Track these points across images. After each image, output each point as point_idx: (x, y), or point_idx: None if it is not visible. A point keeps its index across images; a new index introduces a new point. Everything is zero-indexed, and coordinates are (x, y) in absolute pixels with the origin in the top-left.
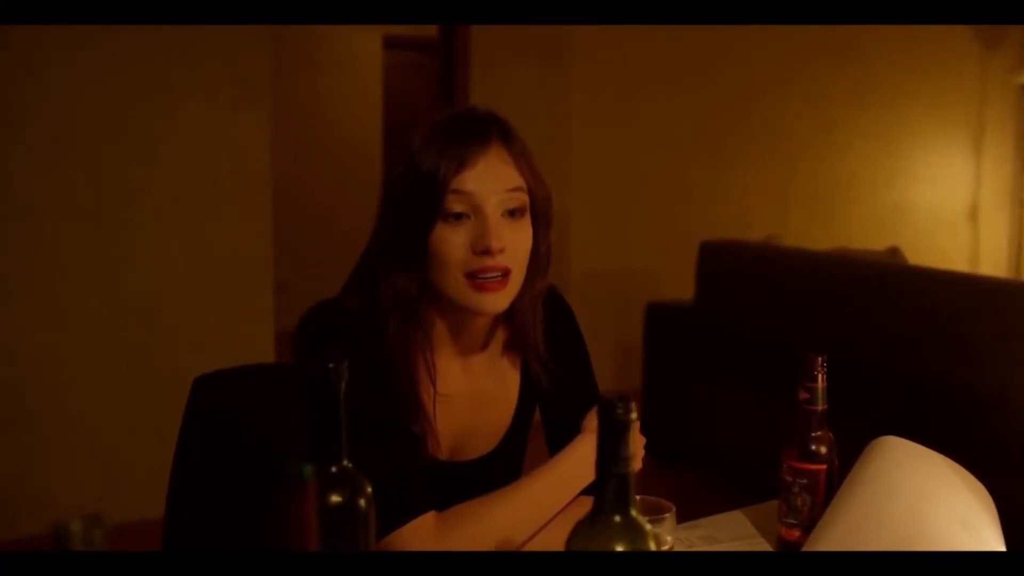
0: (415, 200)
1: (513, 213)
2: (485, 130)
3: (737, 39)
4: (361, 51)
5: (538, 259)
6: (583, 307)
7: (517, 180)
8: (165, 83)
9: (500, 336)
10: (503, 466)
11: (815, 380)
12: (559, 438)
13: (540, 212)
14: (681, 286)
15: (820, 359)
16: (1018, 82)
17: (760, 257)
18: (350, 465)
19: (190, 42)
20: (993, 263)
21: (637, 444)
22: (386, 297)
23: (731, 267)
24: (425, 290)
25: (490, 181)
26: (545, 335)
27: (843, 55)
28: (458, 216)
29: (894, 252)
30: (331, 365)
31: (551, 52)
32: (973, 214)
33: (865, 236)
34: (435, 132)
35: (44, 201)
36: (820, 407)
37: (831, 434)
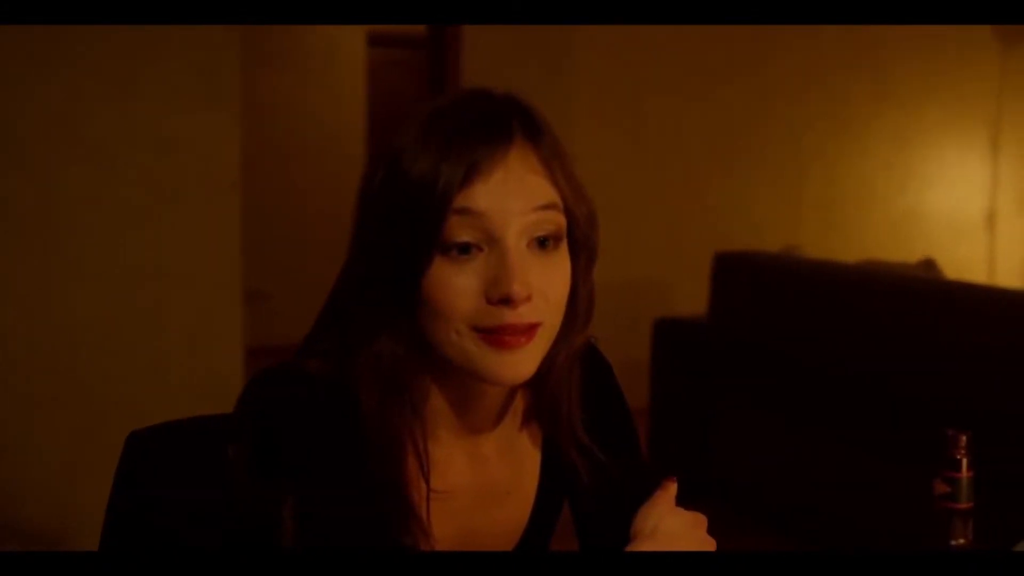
0: (402, 223)
1: (544, 243)
2: (504, 122)
3: (751, 39)
4: (343, 48)
5: (576, 304)
6: None
7: (549, 194)
8: (120, 79)
9: (519, 406)
10: None
11: (957, 468)
12: (599, 546)
13: (581, 238)
14: (691, 299)
15: (963, 438)
16: None
17: (782, 270)
18: None
19: (149, 35)
20: (1010, 272)
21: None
22: (363, 363)
23: (750, 280)
24: (417, 351)
25: (512, 197)
26: (581, 405)
27: (859, 55)
28: (465, 248)
29: (929, 265)
30: (268, 508)
31: (552, 52)
32: (990, 220)
33: (884, 243)
34: (432, 123)
35: None
36: (964, 504)
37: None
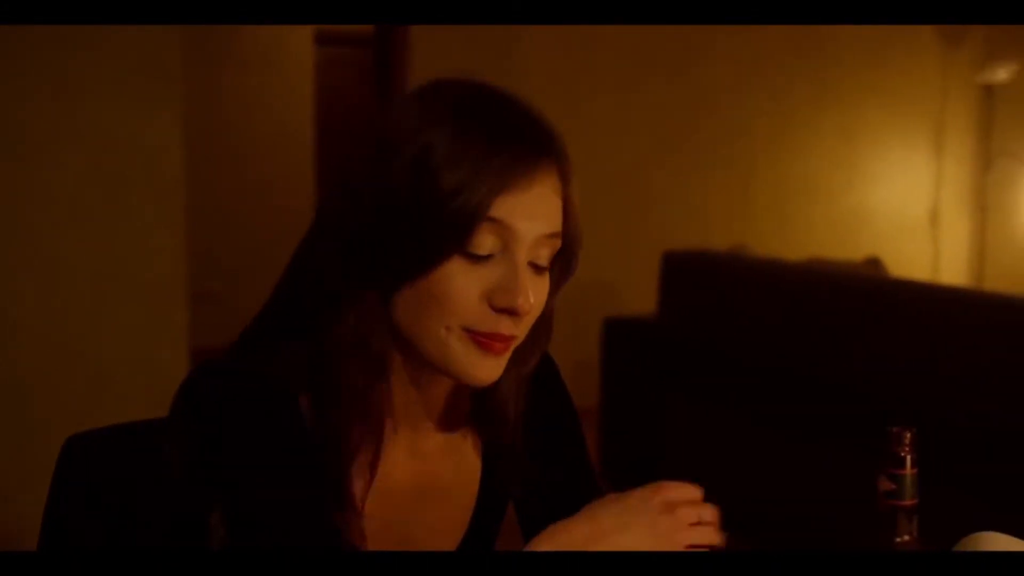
0: (423, 221)
1: (539, 265)
2: (543, 140)
3: (696, 37)
4: (290, 47)
5: (543, 319)
6: None
7: (559, 222)
8: (64, 77)
9: (462, 407)
10: None
11: (902, 465)
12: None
13: (566, 258)
14: (640, 298)
15: (908, 435)
16: (979, 82)
17: (730, 268)
18: None
19: (93, 34)
20: (954, 271)
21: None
22: (343, 338)
23: (698, 279)
24: (379, 341)
25: (536, 217)
26: (527, 408)
27: (804, 53)
28: (485, 256)
29: (874, 263)
30: (198, 510)
31: (498, 51)
32: (935, 218)
33: (830, 241)
34: (465, 123)
35: None
36: (908, 501)
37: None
